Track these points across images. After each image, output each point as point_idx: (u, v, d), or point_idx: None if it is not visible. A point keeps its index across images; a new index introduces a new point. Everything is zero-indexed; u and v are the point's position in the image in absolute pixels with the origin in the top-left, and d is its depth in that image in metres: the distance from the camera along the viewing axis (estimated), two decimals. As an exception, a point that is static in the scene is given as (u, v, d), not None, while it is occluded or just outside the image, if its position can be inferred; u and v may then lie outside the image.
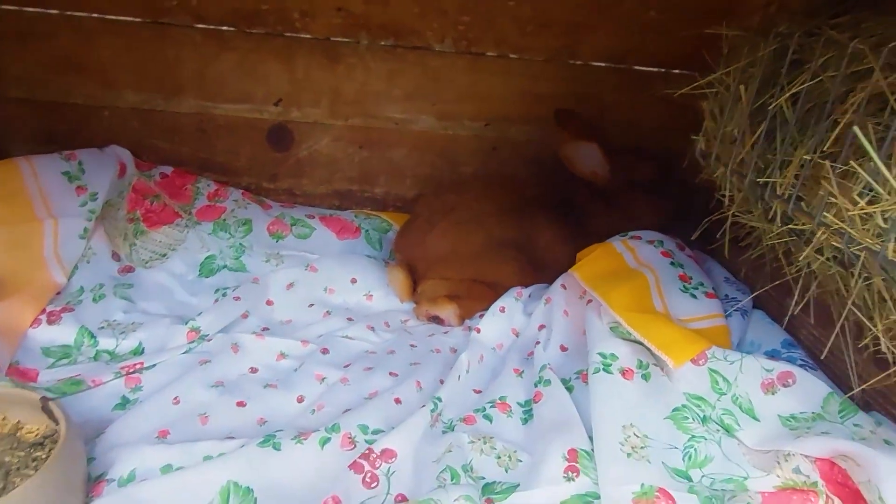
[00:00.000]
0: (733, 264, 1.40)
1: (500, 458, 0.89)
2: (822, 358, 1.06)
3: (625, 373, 0.98)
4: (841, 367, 1.04)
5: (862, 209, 0.74)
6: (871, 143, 0.72)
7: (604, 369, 0.98)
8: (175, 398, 0.98)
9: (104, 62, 1.42)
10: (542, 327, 1.21)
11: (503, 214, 1.35)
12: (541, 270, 1.37)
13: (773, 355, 1.07)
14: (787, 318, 1.17)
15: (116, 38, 1.40)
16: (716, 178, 1.15)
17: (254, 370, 1.09)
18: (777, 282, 1.14)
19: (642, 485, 0.79)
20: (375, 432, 0.90)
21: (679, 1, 1.45)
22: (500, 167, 1.60)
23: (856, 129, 0.72)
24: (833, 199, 0.80)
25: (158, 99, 1.46)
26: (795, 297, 1.13)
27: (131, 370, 1.02)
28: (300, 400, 1.03)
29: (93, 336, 1.10)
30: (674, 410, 0.91)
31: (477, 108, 1.54)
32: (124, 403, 0.98)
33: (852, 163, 0.76)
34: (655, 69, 1.56)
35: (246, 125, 1.50)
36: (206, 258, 1.35)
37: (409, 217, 1.43)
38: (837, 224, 0.80)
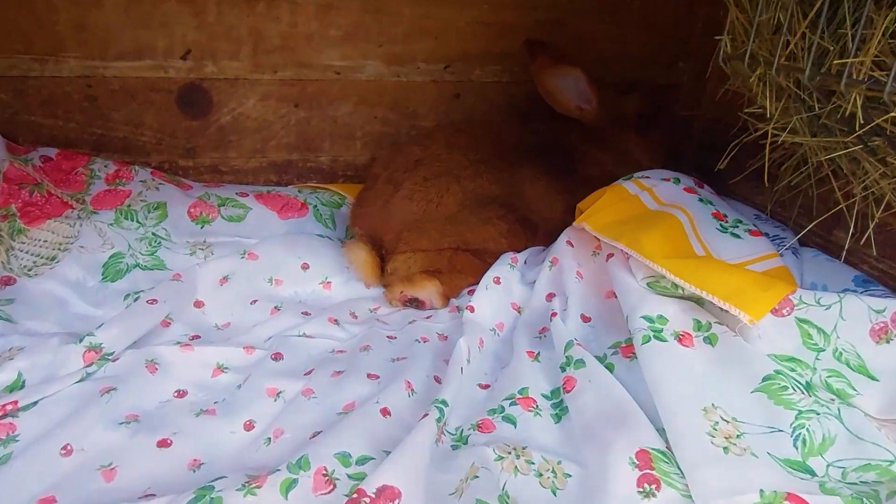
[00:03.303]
0: (752, 200, 1.20)
1: (541, 475, 0.64)
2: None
3: (681, 338, 0.74)
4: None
5: None
6: None
7: (655, 336, 0.74)
8: (65, 447, 0.69)
9: (-51, 19, 1.09)
10: (551, 296, 0.96)
11: (481, 166, 1.10)
12: (532, 229, 1.12)
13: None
14: (843, 253, 0.96)
15: (-37, -12, 1.08)
16: (749, 86, 0.92)
17: (181, 394, 0.80)
18: (832, 211, 0.93)
19: (762, 492, 0.55)
20: (362, 461, 0.63)
21: None
22: (465, 116, 1.34)
23: None
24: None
25: (30, 62, 1.13)
26: (852, 226, 0.92)
27: (0, 414, 0.72)
28: (248, 427, 0.75)
29: (-49, 373, 0.79)
30: (765, 380, 0.67)
31: (432, 46, 1.27)
32: (-9, 463, 0.68)
33: None
34: (637, -13, 1.34)
35: (148, 87, 1.19)
36: (111, 257, 1.04)
37: (366, 182, 1.16)
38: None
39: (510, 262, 1.04)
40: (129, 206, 1.08)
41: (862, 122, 0.74)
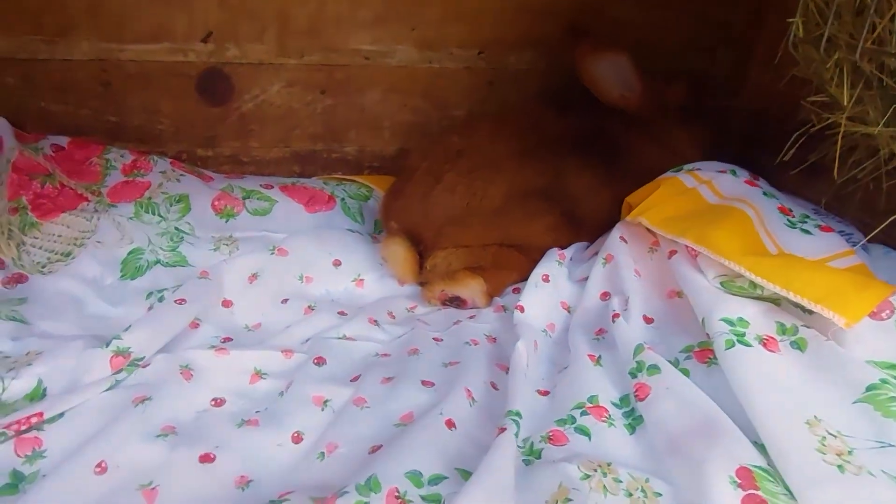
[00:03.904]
0: (803, 195, 1.14)
1: (631, 495, 0.58)
2: None
3: (765, 343, 0.68)
4: None
5: None
6: None
7: (738, 341, 0.68)
8: (99, 464, 0.62)
9: (-47, -4, 1.01)
10: (606, 295, 0.90)
11: (526, 157, 1.04)
12: (577, 224, 1.06)
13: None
14: (914, 251, 0.91)
15: (-32, -38, 1.00)
16: (821, 73, 0.87)
17: (218, 402, 0.74)
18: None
19: (895, 518, 0.50)
20: (434, 481, 0.57)
21: None
22: (498, 105, 1.27)
23: None
24: None
25: (39, 43, 1.06)
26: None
27: (24, 427, 0.65)
28: (297, 439, 0.68)
29: (-35, 380, 0.71)
30: (869, 389, 0.62)
31: (466, 31, 1.21)
32: (17, 482, 0.61)
33: None
34: (679, -29, 1.28)
35: (166, 72, 1.11)
36: (130, 253, 0.97)
37: (402, 173, 1.09)
38: None
39: (558, 259, 0.98)
40: (150, 198, 1.01)
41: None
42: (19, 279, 0.92)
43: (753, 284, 0.73)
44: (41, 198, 0.99)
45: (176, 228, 1.00)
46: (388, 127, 1.25)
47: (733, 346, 0.67)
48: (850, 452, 0.57)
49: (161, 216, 1.00)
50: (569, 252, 1.01)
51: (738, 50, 1.34)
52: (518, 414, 0.64)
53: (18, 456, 0.63)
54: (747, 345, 0.68)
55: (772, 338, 0.69)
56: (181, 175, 1.07)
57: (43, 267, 0.94)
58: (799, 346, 0.68)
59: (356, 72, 1.19)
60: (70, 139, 1.07)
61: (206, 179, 1.11)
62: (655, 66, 1.29)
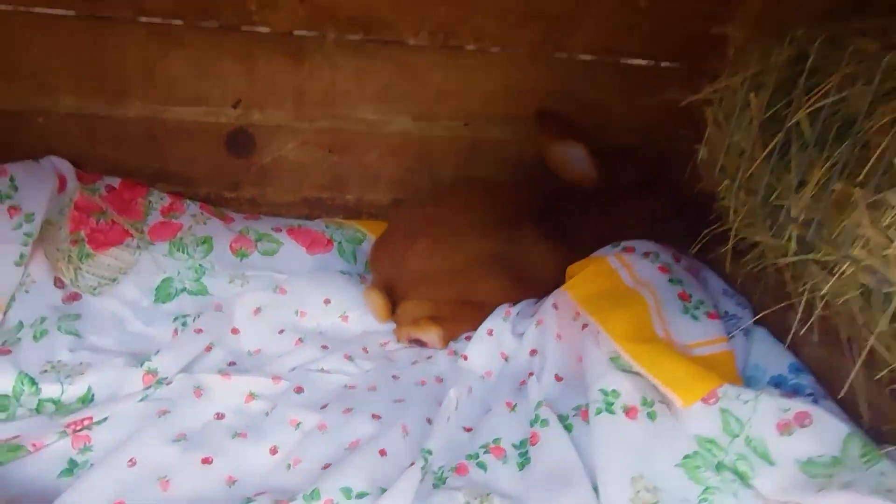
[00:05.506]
0: (730, 273, 1.33)
1: (498, 521, 0.81)
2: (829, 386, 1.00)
3: (628, 412, 0.90)
4: (849, 395, 0.98)
5: (903, 249, 0.66)
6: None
7: (606, 409, 0.90)
8: (130, 459, 0.87)
9: (36, 63, 1.27)
10: (534, 352, 1.12)
11: (486, 226, 1.26)
12: (528, 285, 1.27)
13: (779, 381, 1.01)
14: (790, 337, 1.11)
15: (49, 36, 1.25)
16: (719, 191, 1.07)
17: (220, 416, 0.98)
18: (785, 303, 1.07)
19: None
20: (360, 496, 0.81)
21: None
22: (479, 169, 1.49)
23: (899, 161, 0.64)
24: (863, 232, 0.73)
25: (101, 103, 1.31)
26: (799, 315, 1.06)
27: (78, 427, 0.91)
28: (273, 451, 0.92)
29: (34, 382, 0.97)
30: (685, 458, 0.84)
31: (455, 106, 1.42)
32: (72, 468, 0.87)
33: (889, 195, 0.68)
34: (645, 62, 1.46)
35: (202, 130, 1.36)
36: (163, 281, 1.22)
37: (386, 229, 1.32)
38: (868, 260, 0.72)
39: (503, 316, 1.19)
40: (181, 239, 1.26)
41: (795, 249, 0.88)
42: (75, 297, 1.18)
43: (630, 364, 0.94)
44: (96, 232, 1.24)
45: (200, 265, 1.24)
46: (384, 181, 1.48)
47: (600, 413, 0.89)
48: (655, 504, 0.79)
49: (189, 255, 1.25)
50: (516, 308, 1.22)
51: (696, 132, 1.51)
52: (429, 451, 0.87)
53: (74, 448, 0.89)
54: (611, 412, 0.90)
55: (634, 407, 0.91)
56: (207, 218, 1.32)
57: (94, 289, 1.19)
58: (651, 416, 0.90)
59: (359, 136, 1.41)
60: (121, 180, 1.33)
61: (228, 221, 1.36)
62: (625, 144, 1.49)
